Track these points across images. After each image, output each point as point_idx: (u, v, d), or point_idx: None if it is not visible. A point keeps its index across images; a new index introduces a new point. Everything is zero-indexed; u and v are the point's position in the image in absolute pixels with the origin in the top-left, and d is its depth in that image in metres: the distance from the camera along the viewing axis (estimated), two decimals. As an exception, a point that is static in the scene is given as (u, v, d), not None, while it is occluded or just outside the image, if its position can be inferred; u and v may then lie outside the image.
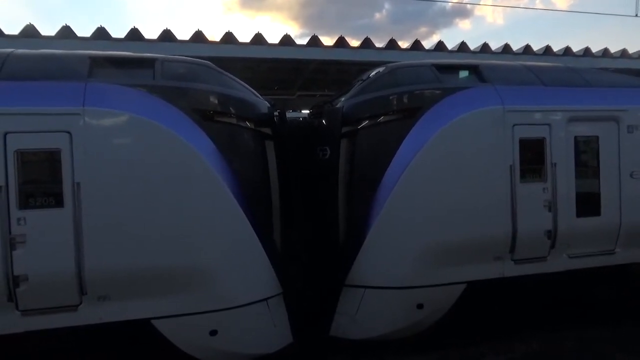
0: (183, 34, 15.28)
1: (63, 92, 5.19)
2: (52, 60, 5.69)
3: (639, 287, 7.82)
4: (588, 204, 7.09)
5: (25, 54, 5.78)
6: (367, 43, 10.33)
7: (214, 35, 14.06)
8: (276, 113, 6.60)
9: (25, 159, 4.98)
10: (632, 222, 7.23)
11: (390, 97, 6.70)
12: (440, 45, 11.00)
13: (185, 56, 6.73)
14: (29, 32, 8.41)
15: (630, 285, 7.84)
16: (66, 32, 8.58)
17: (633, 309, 7.83)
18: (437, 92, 6.65)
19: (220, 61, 7.34)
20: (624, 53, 12.31)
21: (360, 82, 7.31)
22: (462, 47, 11.17)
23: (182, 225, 5.42)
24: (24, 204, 4.93)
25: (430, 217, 6.39)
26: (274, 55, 9.78)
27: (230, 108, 6.08)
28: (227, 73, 6.48)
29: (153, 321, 5.42)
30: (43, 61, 5.65)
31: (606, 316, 7.74)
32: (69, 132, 5.05)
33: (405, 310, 6.51)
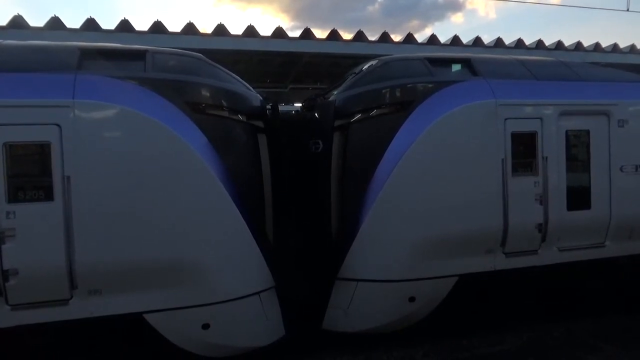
0: (174, 25, 15.16)
1: (52, 84, 5.12)
2: (41, 52, 5.61)
3: (628, 280, 7.91)
4: (579, 197, 7.15)
5: (14, 45, 5.70)
6: (359, 36, 10.30)
7: (206, 27, 13.92)
8: (268, 106, 6.57)
9: (14, 151, 4.91)
10: (622, 216, 7.30)
11: (383, 91, 6.70)
12: (432, 39, 10.99)
13: (177, 48, 6.67)
14: (17, 23, 8.29)
15: (619, 278, 7.92)
16: (55, 24, 8.47)
17: (621, 301, 7.93)
18: (430, 85, 6.66)
19: (211, 53, 7.29)
20: (615, 47, 12.37)
21: (352, 75, 7.29)
22: (455, 40, 11.18)
23: (173, 218, 5.38)
24: (13, 198, 4.86)
25: (422, 210, 6.41)
26: (266, 47, 9.72)
27: (222, 101, 6.04)
28: (218, 66, 6.43)
29: (145, 315, 5.41)
30: (32, 52, 5.57)
31: (595, 308, 7.83)
32: (58, 125, 4.99)
33: (398, 303, 6.54)
